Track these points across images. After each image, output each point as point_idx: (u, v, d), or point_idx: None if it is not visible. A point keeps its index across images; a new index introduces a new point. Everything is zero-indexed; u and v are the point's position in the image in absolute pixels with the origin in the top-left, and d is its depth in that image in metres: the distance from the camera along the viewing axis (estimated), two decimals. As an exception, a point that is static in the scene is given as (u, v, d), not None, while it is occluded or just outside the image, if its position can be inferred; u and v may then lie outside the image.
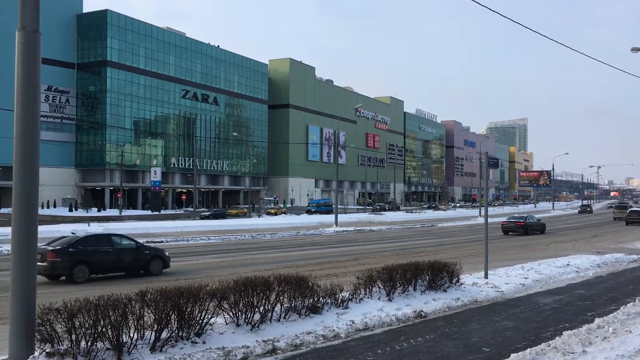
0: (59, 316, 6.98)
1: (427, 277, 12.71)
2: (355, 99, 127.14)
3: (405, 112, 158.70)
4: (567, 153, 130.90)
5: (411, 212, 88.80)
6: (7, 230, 35.17)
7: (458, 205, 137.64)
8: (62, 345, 6.96)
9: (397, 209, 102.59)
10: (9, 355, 6.92)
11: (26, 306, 6.89)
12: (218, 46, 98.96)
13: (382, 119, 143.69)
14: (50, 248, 16.15)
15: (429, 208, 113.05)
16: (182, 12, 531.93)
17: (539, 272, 16.63)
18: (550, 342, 8.31)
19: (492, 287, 14.04)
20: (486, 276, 15.37)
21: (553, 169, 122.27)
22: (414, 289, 12.34)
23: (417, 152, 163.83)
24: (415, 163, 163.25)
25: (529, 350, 7.85)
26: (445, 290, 12.87)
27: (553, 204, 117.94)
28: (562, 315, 11.34)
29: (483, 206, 70.73)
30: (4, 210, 64.35)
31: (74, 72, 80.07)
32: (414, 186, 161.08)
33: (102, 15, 79.73)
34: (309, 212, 79.64)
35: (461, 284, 13.50)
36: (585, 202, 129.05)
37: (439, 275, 12.92)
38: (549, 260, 20.01)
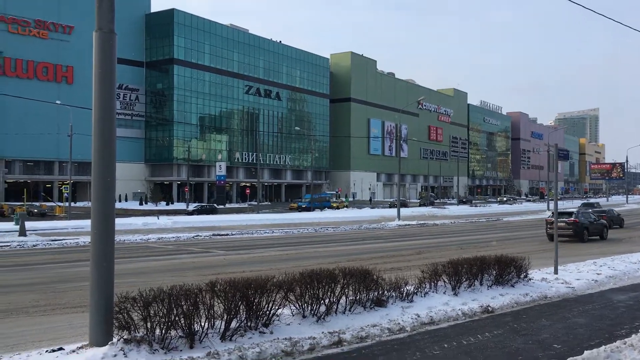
0: (135, 305, 7.28)
1: (494, 272, 12.46)
2: (417, 92, 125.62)
3: (469, 104, 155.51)
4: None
5: (475, 206, 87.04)
6: (84, 223, 37.02)
7: (524, 198, 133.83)
8: (139, 333, 7.27)
9: (470, 202, 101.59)
10: (89, 341, 7.30)
11: (105, 295, 7.25)
12: (280, 42, 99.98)
13: (445, 111, 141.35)
14: None
15: (497, 202, 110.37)
16: (242, 8, 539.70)
17: (613, 268, 16.00)
18: (625, 339, 8.00)
19: (562, 283, 13.61)
20: (556, 272, 14.92)
21: (627, 161, 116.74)
22: (481, 284, 12.13)
23: (482, 144, 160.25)
24: (480, 156, 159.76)
25: (603, 347, 7.59)
26: (512, 286, 12.58)
27: (627, 197, 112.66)
28: (637, 313, 10.88)
29: (551, 200, 68.47)
30: (80, 204, 67.52)
31: (143, 70, 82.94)
32: (478, 179, 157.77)
33: (168, 15, 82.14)
34: (298, 208, 70.44)
35: (529, 279, 13.16)
36: None
37: (506, 270, 12.64)
38: (623, 255, 19.21)
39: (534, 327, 9.60)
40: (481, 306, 10.96)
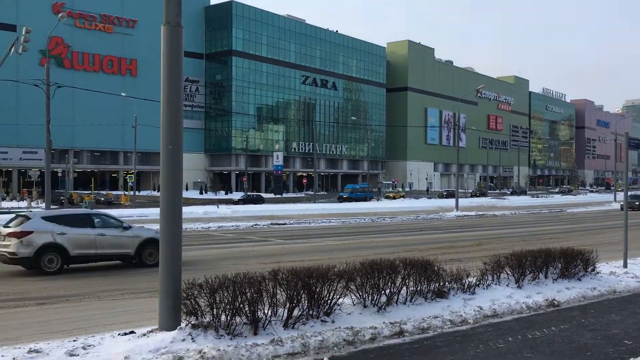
0: (201, 291, 7.49)
1: (559, 265, 12.10)
2: (476, 80, 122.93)
3: (530, 92, 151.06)
4: None
5: (537, 197, 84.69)
6: (148, 211, 38.25)
7: (588, 189, 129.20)
8: (205, 318, 7.48)
9: (524, 192, 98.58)
10: (158, 326, 7.56)
11: (173, 282, 7.48)
12: (337, 31, 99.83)
13: (505, 99, 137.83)
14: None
15: (559, 193, 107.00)
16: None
17: (687, 263, 15.24)
18: None
19: (632, 277, 13.10)
20: (625, 265, 14.36)
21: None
22: (545, 277, 11.81)
23: (544, 133, 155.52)
24: (541, 145, 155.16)
25: (679, 345, 7.27)
26: (579, 279, 12.19)
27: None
28: None
29: (619, 191, 65.71)
30: (143, 193, 69.83)
31: (203, 62, 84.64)
32: (540, 169, 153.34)
33: (227, 7, 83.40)
34: (340, 199, 69.62)
35: (597, 273, 12.72)
36: None
37: (573, 263, 12.25)
38: (699, 250, 18.26)
39: (602, 322, 9.30)
40: (546, 300, 10.68)
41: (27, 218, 14.79)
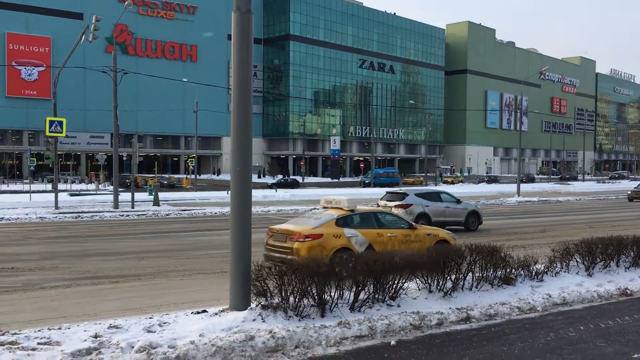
0: (270, 273, 7.67)
1: (632, 253, 11.69)
2: (539, 61, 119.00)
3: (597, 73, 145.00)
4: None
5: (603, 182, 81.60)
6: (209, 195, 39.13)
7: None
8: (274, 300, 7.66)
9: (576, 179, 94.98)
10: (229, 305, 7.79)
11: (244, 263, 7.68)
12: (394, 14, 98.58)
13: (570, 81, 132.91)
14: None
15: (619, 178, 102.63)
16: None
17: None
18: None
19: None
20: (703, 255, 13.68)
21: None
22: (617, 265, 11.45)
23: (611, 116, 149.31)
24: (608, 129, 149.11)
25: None
26: (653, 268, 11.74)
27: None
28: None
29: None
30: (203, 176, 71.48)
31: (261, 47, 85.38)
32: (606, 154, 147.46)
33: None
34: (363, 184, 66.59)
35: (673, 262, 12.20)
36: None
37: (647, 251, 11.81)
38: None
39: (680, 314, 8.95)
40: (618, 288, 10.37)
41: (405, 195, 20.63)
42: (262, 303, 7.59)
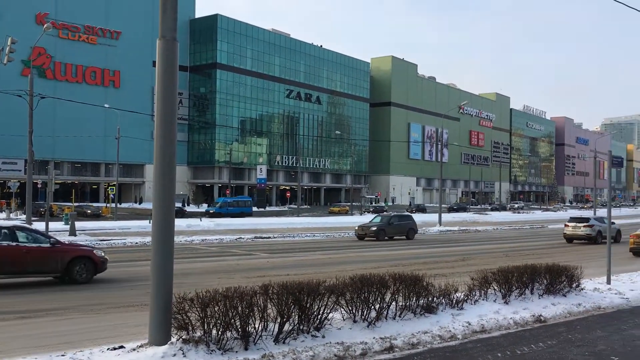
0: (192, 306, 7.45)
1: (545, 281, 12.23)
2: (458, 96, 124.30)
3: (511, 109, 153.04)
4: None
5: (518, 213, 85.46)
6: (130, 224, 37.89)
7: (569, 205, 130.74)
8: (196, 333, 7.43)
9: (504, 208, 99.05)
10: (148, 340, 7.49)
11: (165, 295, 7.43)
12: (321, 46, 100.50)
13: (487, 115, 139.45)
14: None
15: (540, 209, 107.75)
16: (283, 12, 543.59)
17: (668, 279, 15.49)
18: (689, 354, 7.77)
19: (616, 294, 13.27)
20: (609, 282, 14.56)
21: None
22: (532, 293, 11.92)
23: (524, 150, 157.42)
24: (522, 161, 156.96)
25: (666, 362, 7.38)
26: (564, 295, 12.33)
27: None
28: (698, 327, 10.53)
29: (599, 207, 66.42)
30: (124, 205, 69.15)
31: (187, 74, 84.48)
32: (521, 185, 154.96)
33: (212, 20, 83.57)
34: (208, 214, 57.41)
35: (582, 289, 12.87)
36: None
37: (558, 279, 12.39)
38: (679, 266, 18.56)
39: (589, 339, 9.40)
40: (533, 315, 10.79)
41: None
42: (183, 337, 7.34)
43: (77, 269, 14.67)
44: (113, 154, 57.65)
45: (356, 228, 34.54)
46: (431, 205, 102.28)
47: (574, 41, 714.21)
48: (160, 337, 7.32)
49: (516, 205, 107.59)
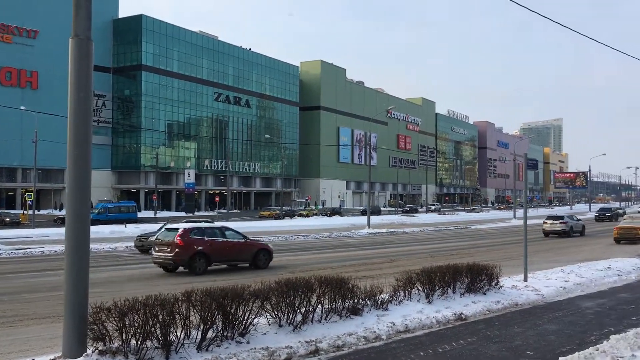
0: (110, 315, 7.16)
1: (466, 280, 12.62)
2: (386, 100, 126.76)
3: (437, 113, 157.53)
4: (605, 154, 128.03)
5: (444, 214, 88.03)
6: (49, 231, 36.22)
7: (491, 207, 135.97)
8: (114, 344, 7.15)
9: (438, 210, 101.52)
10: (62, 353, 7.14)
11: (79, 305, 7.11)
12: (250, 49, 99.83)
13: (414, 120, 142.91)
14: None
15: (464, 210, 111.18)
16: (211, 14, 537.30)
17: (580, 276, 16.36)
18: (597, 345, 8.19)
19: (532, 290, 13.87)
20: (525, 279, 15.20)
21: (590, 170, 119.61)
22: (453, 292, 12.27)
23: (449, 153, 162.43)
24: (447, 164, 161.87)
25: (577, 354, 7.75)
26: (484, 293, 12.76)
27: (590, 205, 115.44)
28: (606, 319, 11.15)
29: (518, 208, 69.39)
30: (43, 212, 66.04)
31: (110, 76, 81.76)
32: (446, 188, 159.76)
33: (137, 20, 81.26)
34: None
35: (500, 287, 13.37)
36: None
37: (478, 277, 12.82)
38: (590, 263, 19.64)
39: (506, 334, 9.76)
40: (454, 314, 11.09)
41: None
42: (99, 348, 7.05)
43: (260, 258, 19.88)
44: (31, 159, 54.93)
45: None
46: (361, 207, 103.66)
47: (496, 50, 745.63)
48: (75, 349, 7.00)
49: (432, 207, 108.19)
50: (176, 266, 18.55)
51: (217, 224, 22.53)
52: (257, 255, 19.68)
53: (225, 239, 18.97)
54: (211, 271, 18.73)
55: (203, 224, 20.19)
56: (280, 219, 66.95)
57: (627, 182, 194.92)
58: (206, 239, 18.44)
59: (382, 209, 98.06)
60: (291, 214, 73.21)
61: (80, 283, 7.14)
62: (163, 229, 20.46)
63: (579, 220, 41.90)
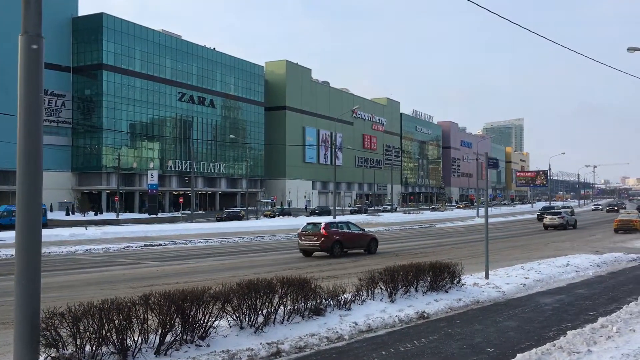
0: (63, 320, 6.95)
1: (429, 278, 12.71)
2: (351, 100, 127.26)
3: (401, 113, 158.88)
4: (564, 153, 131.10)
5: (409, 214, 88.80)
6: (7, 235, 35.12)
7: (455, 205, 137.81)
8: (67, 350, 6.93)
9: (395, 210, 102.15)
10: (13, 360, 6.88)
11: (30, 311, 6.84)
12: (214, 48, 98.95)
13: (379, 120, 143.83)
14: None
15: (429, 209, 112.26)
16: (173, 13, 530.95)
17: (539, 272, 16.66)
18: (555, 341, 8.32)
19: (493, 288, 14.05)
20: (487, 277, 15.39)
21: (550, 169, 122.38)
22: (416, 290, 12.34)
23: (414, 153, 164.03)
24: (412, 164, 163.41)
25: (534, 350, 7.85)
26: (446, 291, 12.87)
27: (550, 203, 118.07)
28: (564, 315, 11.36)
29: (481, 207, 70.55)
30: (0, 215, 64.10)
31: (70, 75, 79.92)
32: (411, 187, 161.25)
33: (97, 19, 79.64)
34: None
35: (462, 284, 13.51)
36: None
37: (441, 276, 12.92)
38: (549, 260, 20.04)
39: (467, 332, 9.84)
40: (417, 312, 11.14)
41: None
42: (52, 355, 6.82)
43: (372, 245, 25.28)
44: (-13, 160, 53.29)
45: None
46: (322, 207, 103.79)
47: (459, 51, 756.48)
48: (25, 357, 6.73)
49: (389, 207, 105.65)
50: (319, 251, 23.87)
51: (342, 218, 28.85)
52: (370, 243, 25.01)
53: (350, 230, 24.57)
54: (345, 255, 24.49)
55: (336, 219, 26.77)
56: (245, 219, 66.42)
57: (585, 181, 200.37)
58: (339, 230, 24.14)
59: (345, 209, 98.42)
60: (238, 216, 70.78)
61: (31, 287, 6.88)
62: (306, 224, 25.91)
63: (573, 215, 50.69)
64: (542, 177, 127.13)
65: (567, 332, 8.90)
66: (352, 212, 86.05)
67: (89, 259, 25.37)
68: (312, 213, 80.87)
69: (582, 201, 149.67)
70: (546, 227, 44.63)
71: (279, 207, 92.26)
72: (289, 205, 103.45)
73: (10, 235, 36.59)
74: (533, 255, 23.40)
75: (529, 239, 35.74)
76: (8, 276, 18.75)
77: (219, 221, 62.78)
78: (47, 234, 34.38)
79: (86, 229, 41.92)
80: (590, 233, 40.36)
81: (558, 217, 45.16)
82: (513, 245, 30.83)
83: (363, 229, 26.04)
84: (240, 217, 68.98)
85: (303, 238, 24.46)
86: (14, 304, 6.93)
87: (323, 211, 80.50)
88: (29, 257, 6.91)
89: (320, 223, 24.90)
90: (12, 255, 26.02)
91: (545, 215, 47.04)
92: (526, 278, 15.61)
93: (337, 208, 63.32)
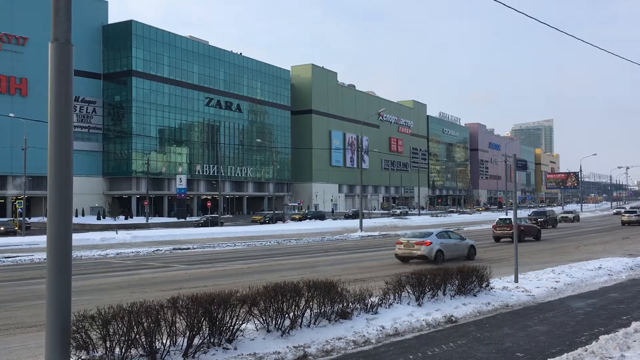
0: (93, 323, 7.05)
1: (457, 282, 12.57)
2: (377, 103, 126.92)
3: (428, 116, 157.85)
4: (595, 154, 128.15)
5: (436, 216, 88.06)
6: (39, 239, 35.91)
7: (482, 208, 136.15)
8: (97, 352, 7.03)
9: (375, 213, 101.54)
10: (45, 362, 7.01)
11: (62, 313, 6.96)
12: (240, 54, 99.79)
13: (405, 122, 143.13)
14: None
15: (455, 212, 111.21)
16: (200, 20, 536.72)
17: (571, 276, 16.35)
18: (586, 346, 8.15)
19: (523, 291, 13.83)
20: (516, 280, 15.16)
21: (581, 170, 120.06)
22: (444, 294, 12.22)
23: (441, 155, 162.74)
24: (439, 166, 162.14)
25: (565, 355, 7.70)
26: (475, 295, 12.71)
27: (581, 205, 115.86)
28: (596, 320, 11.12)
29: (510, 209, 69.44)
30: (34, 219, 65.61)
31: (100, 82, 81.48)
32: (439, 190, 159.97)
33: (126, 26, 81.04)
34: None
35: (491, 288, 13.33)
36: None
37: (469, 279, 12.77)
38: (580, 263, 19.66)
39: (496, 336, 9.70)
40: (445, 316, 11.02)
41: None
42: (82, 357, 6.93)
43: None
44: (21, 166, 54.57)
45: None
46: (355, 210, 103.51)
47: (485, 51, 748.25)
48: (57, 359, 6.86)
49: (399, 211, 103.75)
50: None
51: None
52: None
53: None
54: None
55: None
56: (266, 223, 66.69)
57: (617, 182, 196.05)
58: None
59: (372, 212, 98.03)
60: (282, 218, 73.01)
61: (62, 291, 7.00)
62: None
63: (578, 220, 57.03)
64: (573, 179, 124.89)
65: (600, 337, 8.71)
66: (347, 217, 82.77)
67: (119, 262, 25.74)
68: (347, 217, 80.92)
69: (614, 203, 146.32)
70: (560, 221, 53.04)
71: (306, 210, 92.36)
72: (316, 209, 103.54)
73: (42, 240, 37.43)
74: (564, 259, 22.98)
75: (559, 241, 35.10)
76: (41, 279, 19.15)
77: (262, 224, 64.16)
78: (78, 237, 35.12)
79: (117, 233, 42.56)
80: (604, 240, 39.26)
81: (635, 216, 50.24)
82: (544, 248, 30.31)
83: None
84: (282, 220, 70.30)
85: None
86: (45, 307, 7.06)
87: (357, 215, 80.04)
88: (60, 261, 7.04)
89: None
90: (45, 259, 26.60)
91: (623, 214, 52.65)
92: (557, 282, 15.33)
93: (363, 211, 63.07)
